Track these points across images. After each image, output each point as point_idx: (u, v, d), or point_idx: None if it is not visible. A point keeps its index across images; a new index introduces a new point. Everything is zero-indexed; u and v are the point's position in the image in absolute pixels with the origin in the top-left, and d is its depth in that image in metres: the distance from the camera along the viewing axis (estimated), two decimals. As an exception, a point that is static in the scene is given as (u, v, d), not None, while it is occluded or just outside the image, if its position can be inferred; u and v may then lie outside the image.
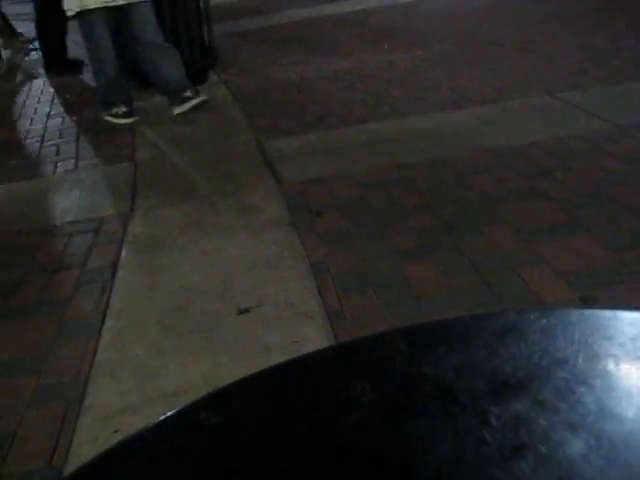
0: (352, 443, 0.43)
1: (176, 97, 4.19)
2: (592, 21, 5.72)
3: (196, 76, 5.05)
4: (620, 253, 2.27)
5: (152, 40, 4.06)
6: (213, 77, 5.28)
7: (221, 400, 0.48)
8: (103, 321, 2.25)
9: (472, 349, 0.49)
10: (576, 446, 0.41)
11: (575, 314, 0.51)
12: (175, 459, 0.44)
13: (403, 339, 0.51)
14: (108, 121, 4.28)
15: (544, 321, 0.50)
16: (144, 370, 2.00)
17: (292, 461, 0.42)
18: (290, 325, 2.11)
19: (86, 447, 1.75)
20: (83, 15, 3.89)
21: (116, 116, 4.25)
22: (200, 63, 5.09)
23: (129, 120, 4.25)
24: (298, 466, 0.42)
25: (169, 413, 0.47)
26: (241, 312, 2.22)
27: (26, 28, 7.25)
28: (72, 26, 5.84)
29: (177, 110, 4.22)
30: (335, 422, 0.45)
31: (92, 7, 3.83)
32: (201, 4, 5.01)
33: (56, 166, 3.78)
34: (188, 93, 4.22)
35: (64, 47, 5.92)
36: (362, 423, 0.44)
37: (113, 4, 3.89)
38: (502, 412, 0.44)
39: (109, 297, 2.39)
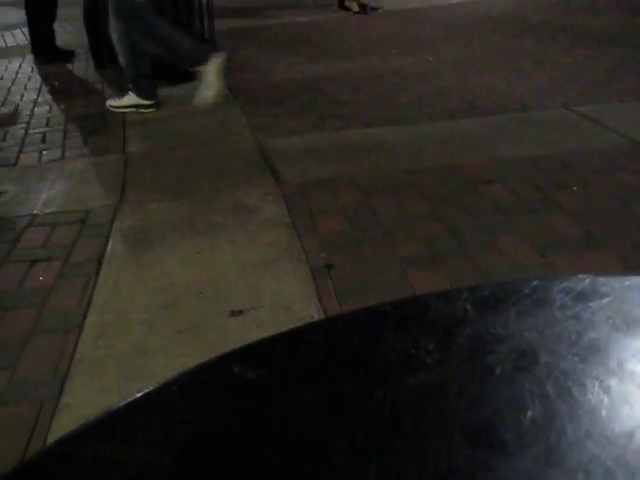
0: (415, 405, 0.39)
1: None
2: (610, 36, 5.75)
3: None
4: (638, 270, 2.24)
5: None
6: (212, 72, 5.24)
7: (259, 354, 0.45)
8: (85, 316, 2.21)
9: (549, 311, 0.46)
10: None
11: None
12: (202, 414, 0.40)
13: (468, 298, 0.48)
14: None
15: (619, 286, 0.47)
16: (127, 370, 1.95)
17: (341, 424, 0.38)
18: (286, 330, 2.07)
19: (61, 448, 1.69)
20: None
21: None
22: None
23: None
24: (348, 428, 0.38)
25: (198, 363, 0.44)
26: (234, 314, 2.18)
27: (12, 15, 7.23)
28: (61, 13, 5.86)
29: None
30: (394, 383, 0.41)
31: None
32: (203, -4, 5.01)
33: (41, 154, 3.74)
34: None
35: (53, 33, 5.90)
36: (426, 385, 0.41)
37: None
38: (591, 375, 0.41)
39: (92, 292, 2.34)
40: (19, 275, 2.49)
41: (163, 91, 4.74)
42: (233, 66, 5.42)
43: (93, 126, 4.16)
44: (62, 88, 5.14)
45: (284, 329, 0.52)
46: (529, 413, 0.40)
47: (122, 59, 4.22)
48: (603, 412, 0.40)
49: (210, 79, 4.09)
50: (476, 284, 0.52)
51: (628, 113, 3.86)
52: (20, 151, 3.83)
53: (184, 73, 4.93)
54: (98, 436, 0.43)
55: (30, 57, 6.02)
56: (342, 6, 7.55)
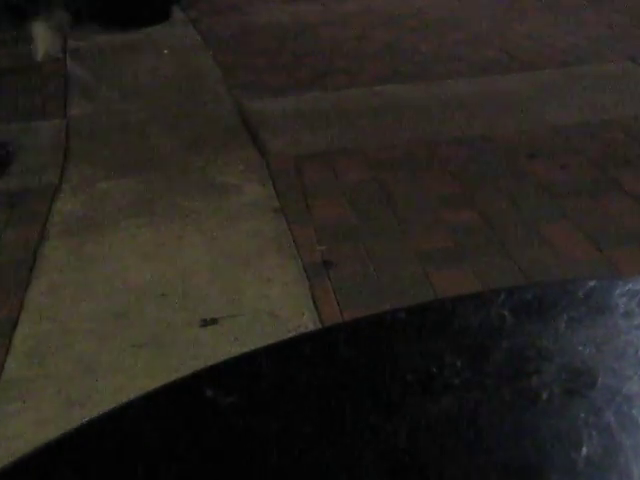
0: (437, 438, 0.40)
1: None
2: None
3: (155, 12, 5.06)
4: None
5: None
6: (178, 14, 5.26)
7: (237, 373, 0.45)
8: (15, 326, 2.21)
9: (610, 320, 0.46)
10: None
11: None
12: (165, 448, 0.40)
13: (506, 303, 0.48)
14: None
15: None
16: (69, 393, 1.96)
17: (343, 460, 0.39)
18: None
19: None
20: None
21: None
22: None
23: None
24: (352, 466, 0.38)
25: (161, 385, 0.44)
26: (206, 323, 2.18)
27: None
28: None
29: None
30: (411, 409, 0.42)
31: None
32: None
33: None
34: None
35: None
36: (453, 412, 0.41)
37: None
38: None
39: (24, 294, 2.35)
40: None
41: (116, 38, 4.75)
42: (204, 6, 5.42)
43: (26, 83, 4.16)
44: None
45: (270, 342, 0.52)
46: (584, 449, 0.40)
47: None
48: (679, 448, 0.40)
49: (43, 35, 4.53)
50: (516, 285, 0.52)
51: None
52: None
53: (142, 17, 4.95)
54: (30, 478, 0.43)
55: None
56: None
